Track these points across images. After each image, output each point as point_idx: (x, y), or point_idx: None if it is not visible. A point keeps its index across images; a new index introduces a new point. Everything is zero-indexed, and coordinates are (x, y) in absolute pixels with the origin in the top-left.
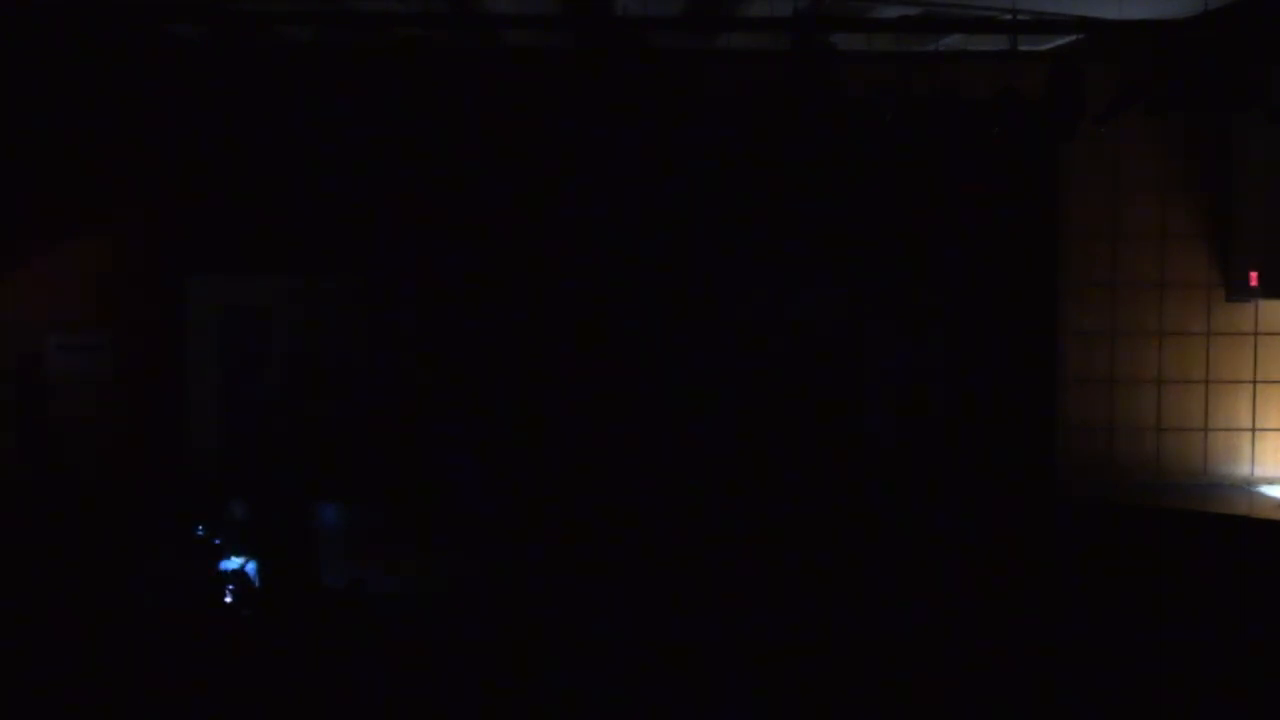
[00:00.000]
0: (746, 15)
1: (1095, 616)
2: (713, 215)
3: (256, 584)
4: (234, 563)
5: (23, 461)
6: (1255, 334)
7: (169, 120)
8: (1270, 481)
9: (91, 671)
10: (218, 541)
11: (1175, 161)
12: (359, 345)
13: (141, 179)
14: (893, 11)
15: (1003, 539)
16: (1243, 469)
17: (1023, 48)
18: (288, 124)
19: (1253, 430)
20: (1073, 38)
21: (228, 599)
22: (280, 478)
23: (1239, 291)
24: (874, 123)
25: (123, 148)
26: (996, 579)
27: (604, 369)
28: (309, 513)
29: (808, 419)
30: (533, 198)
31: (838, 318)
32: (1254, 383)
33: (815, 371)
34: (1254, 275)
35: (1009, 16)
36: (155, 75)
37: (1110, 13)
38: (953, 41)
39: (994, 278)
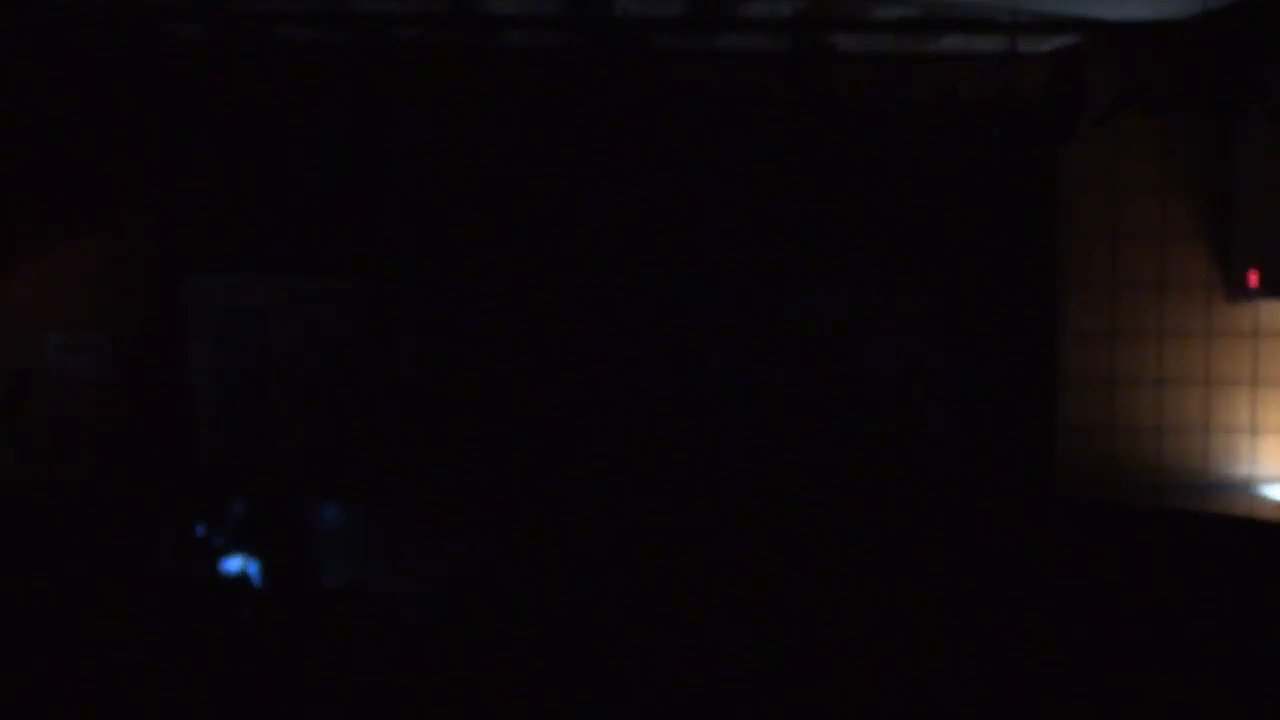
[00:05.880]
0: (746, 16)
1: (1095, 617)
2: (712, 215)
3: (257, 584)
4: (234, 563)
5: (22, 462)
6: (1255, 334)
7: (169, 120)
8: (1270, 482)
9: (91, 672)
10: (218, 541)
11: (1175, 161)
12: (358, 345)
13: (141, 179)
14: (893, 11)
15: (1002, 539)
16: (1243, 469)
17: (1023, 48)
18: (287, 124)
19: (1253, 430)
20: (1073, 38)
21: (228, 599)
22: (280, 478)
23: (1239, 291)
24: (874, 123)
25: (122, 147)
26: (995, 579)
27: (605, 368)
28: (309, 513)
29: (807, 419)
30: (532, 198)
31: (837, 318)
32: (1254, 383)
33: (814, 372)
34: (1254, 275)
35: (1009, 16)
36: (155, 75)
37: (1110, 13)
38: (953, 42)
39: (994, 278)
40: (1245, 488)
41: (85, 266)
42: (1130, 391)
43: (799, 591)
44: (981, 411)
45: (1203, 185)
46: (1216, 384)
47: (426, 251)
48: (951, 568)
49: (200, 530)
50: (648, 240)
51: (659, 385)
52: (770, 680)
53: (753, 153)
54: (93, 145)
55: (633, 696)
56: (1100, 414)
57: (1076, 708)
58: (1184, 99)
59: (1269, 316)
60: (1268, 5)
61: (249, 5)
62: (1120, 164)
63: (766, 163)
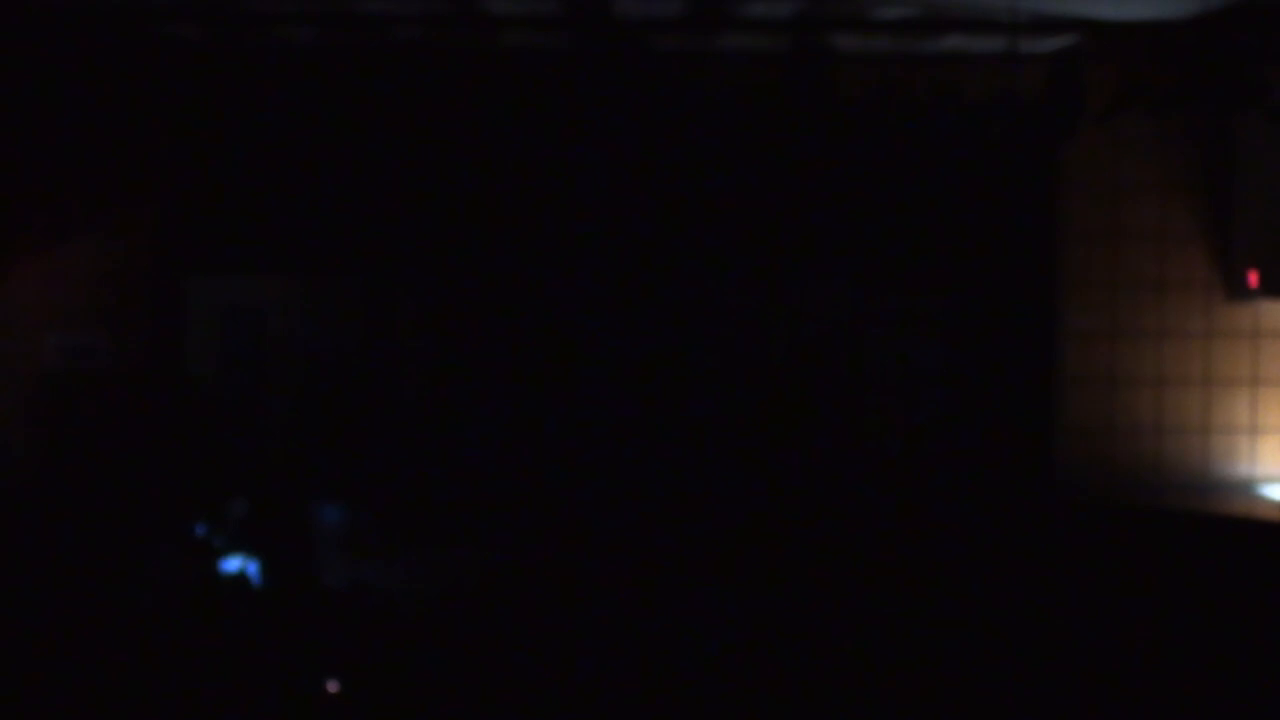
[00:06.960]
0: (746, 16)
1: (1095, 617)
2: (711, 215)
3: (256, 584)
4: (234, 563)
5: (21, 462)
6: (1255, 334)
7: (169, 120)
8: (1270, 482)
9: (90, 672)
10: (218, 542)
11: (1175, 161)
12: (358, 345)
13: (141, 179)
14: (893, 12)
15: (1002, 539)
16: (1243, 469)
17: (1023, 48)
18: (287, 125)
19: (1253, 430)
20: (1073, 38)
21: (228, 599)
22: (280, 478)
23: (1239, 291)
24: (874, 123)
25: (122, 148)
26: (996, 579)
27: (605, 370)
28: (309, 513)
29: (806, 419)
30: (533, 198)
31: (837, 318)
32: (1254, 383)
33: (814, 373)
34: (1253, 275)
35: (1009, 17)
36: (155, 75)
37: (1110, 13)
38: (953, 42)
39: (994, 278)
40: (1245, 488)
41: (85, 265)
42: (1130, 392)
43: (797, 591)
44: (981, 412)
45: (1203, 185)
46: (1216, 384)
47: (426, 250)
48: (951, 567)
49: (200, 530)
50: (647, 240)
51: (658, 384)
52: (769, 681)
53: (753, 153)
54: (93, 145)
55: (632, 696)
56: (1100, 414)
57: (1077, 708)
58: (1184, 99)
59: (1269, 316)
60: (1268, 5)
61: (249, 5)
62: (1120, 164)
63: (766, 163)
